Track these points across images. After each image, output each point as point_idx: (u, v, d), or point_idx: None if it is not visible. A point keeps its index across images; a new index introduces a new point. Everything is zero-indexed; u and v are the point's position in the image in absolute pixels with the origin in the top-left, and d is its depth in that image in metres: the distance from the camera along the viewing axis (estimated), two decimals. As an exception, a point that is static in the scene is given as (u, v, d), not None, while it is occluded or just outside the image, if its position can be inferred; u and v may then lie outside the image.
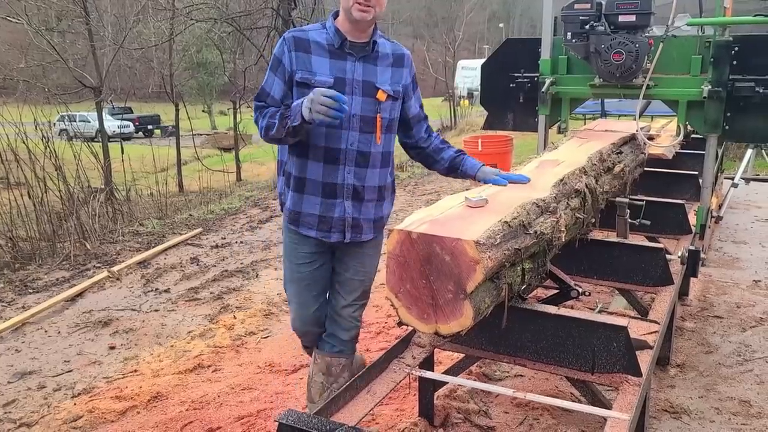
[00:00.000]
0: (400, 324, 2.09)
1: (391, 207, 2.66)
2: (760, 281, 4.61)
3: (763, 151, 7.38)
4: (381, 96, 2.38)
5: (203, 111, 32.66)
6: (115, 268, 5.52)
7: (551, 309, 2.37)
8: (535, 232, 2.26)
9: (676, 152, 4.96)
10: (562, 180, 2.67)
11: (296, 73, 2.31)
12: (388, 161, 2.54)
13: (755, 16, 3.62)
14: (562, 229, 2.46)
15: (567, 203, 2.63)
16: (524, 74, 4.22)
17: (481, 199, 2.28)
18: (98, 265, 5.83)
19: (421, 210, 2.23)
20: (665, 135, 4.96)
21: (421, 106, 2.66)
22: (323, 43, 2.32)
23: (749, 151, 7.23)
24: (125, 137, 22.03)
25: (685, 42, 3.79)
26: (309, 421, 1.88)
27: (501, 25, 55.07)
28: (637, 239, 3.90)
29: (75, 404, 3.30)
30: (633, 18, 3.62)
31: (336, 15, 2.36)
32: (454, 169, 2.64)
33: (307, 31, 2.35)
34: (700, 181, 4.20)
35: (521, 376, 3.25)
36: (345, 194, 2.41)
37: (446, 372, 2.70)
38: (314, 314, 2.63)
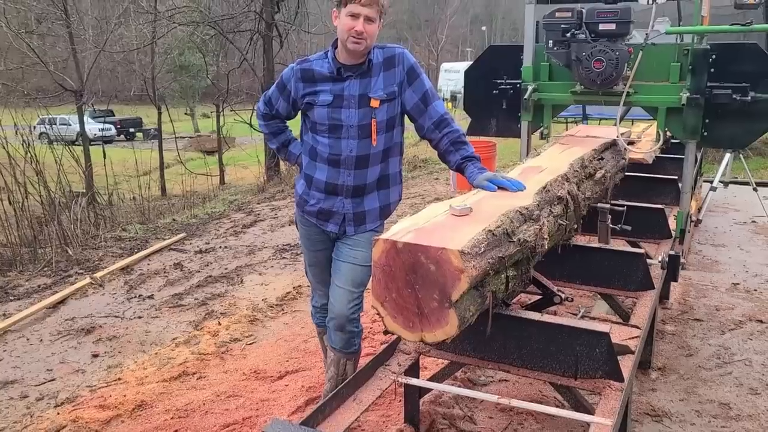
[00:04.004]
0: (386, 332, 2.11)
1: (398, 195, 2.86)
2: (738, 284, 4.70)
3: (740, 155, 7.50)
4: (374, 103, 2.62)
5: (186, 114, 32.43)
6: (98, 275, 5.48)
7: (535, 315, 2.40)
8: (519, 240, 2.29)
9: (656, 157, 5.04)
10: (544, 187, 2.70)
11: (303, 98, 2.69)
12: (389, 154, 2.73)
13: (732, 24, 3.68)
14: (545, 236, 2.49)
15: (550, 210, 2.67)
16: (507, 81, 4.27)
17: (465, 207, 2.30)
18: (80, 271, 5.78)
19: (407, 218, 2.25)
20: (645, 139, 5.04)
21: (424, 97, 2.68)
22: (325, 72, 2.65)
23: (727, 155, 7.35)
24: (107, 140, 21.84)
25: (663, 50, 3.85)
26: (295, 431, 1.89)
27: (483, 28, 55.38)
28: (619, 243, 3.96)
29: (58, 414, 3.27)
30: (613, 26, 3.68)
31: (336, 44, 2.63)
32: (460, 172, 2.75)
33: (312, 61, 2.70)
34: (680, 185, 4.27)
35: (506, 380, 3.28)
36: (345, 193, 2.69)
37: (431, 378, 2.73)
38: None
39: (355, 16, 2.47)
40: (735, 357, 3.55)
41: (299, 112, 2.82)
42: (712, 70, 3.70)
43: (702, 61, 3.67)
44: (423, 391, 2.80)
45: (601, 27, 3.72)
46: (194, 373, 3.65)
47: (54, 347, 4.14)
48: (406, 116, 2.76)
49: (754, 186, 6.80)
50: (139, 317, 4.59)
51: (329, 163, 2.68)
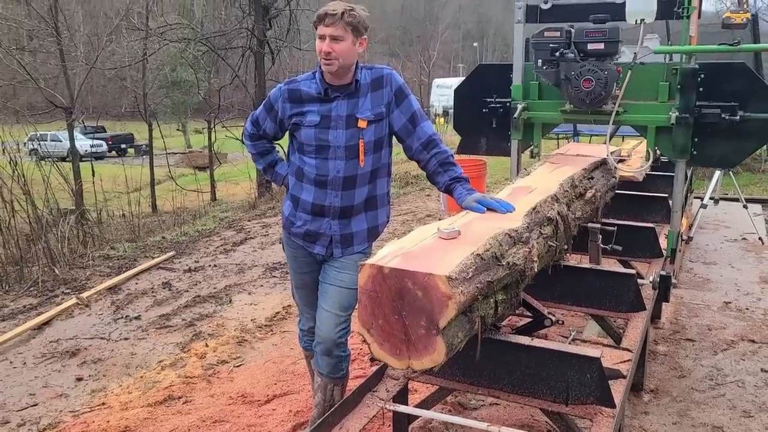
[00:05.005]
0: (372, 360, 2.06)
1: (386, 217, 2.82)
2: (730, 303, 4.68)
3: (730, 171, 7.52)
4: (362, 124, 2.60)
5: (178, 129, 32.38)
6: (85, 295, 5.40)
7: (525, 340, 2.36)
8: (508, 264, 2.25)
9: (646, 174, 5.03)
10: (534, 208, 2.67)
11: (290, 119, 2.67)
12: (377, 174, 2.70)
13: (720, 44, 3.69)
14: (535, 259, 2.46)
15: (539, 232, 2.64)
16: (497, 99, 4.26)
17: (453, 230, 2.27)
18: (67, 291, 5.70)
19: (394, 242, 2.21)
20: (636, 156, 5.04)
21: (412, 118, 2.67)
22: (313, 93, 2.63)
23: (717, 172, 7.37)
24: (98, 156, 21.75)
25: (652, 69, 3.85)
26: (279, 462, 1.84)
27: (475, 44, 55.81)
28: (610, 263, 3.94)
29: (39, 440, 3.20)
30: (601, 46, 3.67)
31: None
32: (449, 193, 2.73)
33: (299, 82, 2.68)
34: (670, 203, 4.26)
35: (496, 404, 3.23)
36: (332, 214, 2.66)
37: (420, 404, 2.68)
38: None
39: (322, 37, 2.49)
40: (728, 378, 3.51)
41: (286, 133, 2.80)
42: (701, 89, 3.70)
43: (690, 81, 3.67)
44: (412, 417, 2.75)
45: (590, 46, 3.71)
46: (180, 397, 3.58)
47: (37, 370, 4.07)
48: (394, 137, 2.74)
49: (744, 203, 6.81)
50: (126, 339, 4.52)
51: (316, 184, 2.65)
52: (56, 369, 4.08)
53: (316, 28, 2.52)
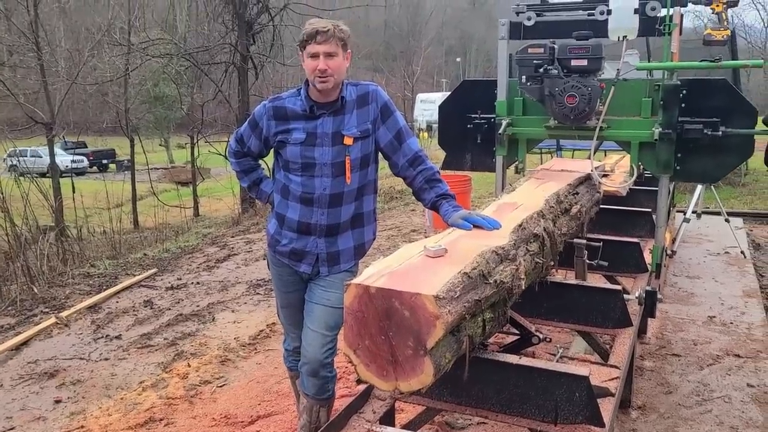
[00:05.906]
0: (359, 381, 2.02)
1: (373, 234, 2.79)
2: (714, 317, 4.69)
3: (711, 185, 7.59)
4: (348, 141, 2.57)
5: (160, 145, 32.17)
6: (64, 314, 5.30)
7: (513, 358, 2.34)
8: (495, 282, 2.23)
9: (629, 189, 5.06)
10: (520, 225, 2.66)
11: (275, 136, 2.64)
12: (363, 192, 2.68)
13: (701, 61, 3.73)
14: (522, 276, 2.44)
15: (526, 249, 2.62)
16: (481, 115, 4.26)
17: (440, 248, 2.24)
18: (46, 310, 5.59)
19: (380, 261, 2.18)
20: (619, 171, 5.07)
21: (398, 135, 2.65)
22: (298, 110, 2.60)
23: (699, 186, 7.43)
24: (78, 172, 21.53)
25: (635, 85, 3.88)
26: (264, 489, 1.79)
27: (458, 59, 56.28)
28: (596, 278, 3.93)
29: (15, 466, 3.11)
30: (585, 62, 3.70)
31: (308, 82, 2.59)
32: (435, 210, 2.70)
33: (284, 99, 2.65)
34: (654, 218, 4.27)
35: (484, 423, 3.19)
36: (318, 232, 2.63)
37: (407, 425, 2.63)
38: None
39: (314, 55, 2.46)
40: (714, 394, 3.51)
41: (271, 150, 2.76)
42: (683, 105, 3.73)
43: (673, 97, 3.70)
44: (399, 437, 2.70)
45: (573, 63, 3.73)
46: (161, 419, 3.50)
47: (15, 392, 3.96)
48: (380, 153, 2.72)
49: (726, 217, 6.87)
50: (106, 359, 4.42)
51: (302, 201, 2.62)
52: (34, 391, 3.97)
53: (305, 47, 2.48)
